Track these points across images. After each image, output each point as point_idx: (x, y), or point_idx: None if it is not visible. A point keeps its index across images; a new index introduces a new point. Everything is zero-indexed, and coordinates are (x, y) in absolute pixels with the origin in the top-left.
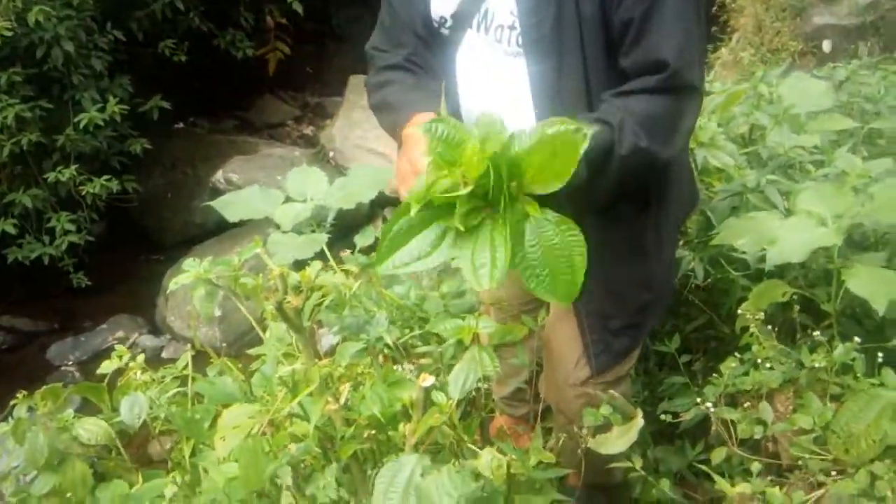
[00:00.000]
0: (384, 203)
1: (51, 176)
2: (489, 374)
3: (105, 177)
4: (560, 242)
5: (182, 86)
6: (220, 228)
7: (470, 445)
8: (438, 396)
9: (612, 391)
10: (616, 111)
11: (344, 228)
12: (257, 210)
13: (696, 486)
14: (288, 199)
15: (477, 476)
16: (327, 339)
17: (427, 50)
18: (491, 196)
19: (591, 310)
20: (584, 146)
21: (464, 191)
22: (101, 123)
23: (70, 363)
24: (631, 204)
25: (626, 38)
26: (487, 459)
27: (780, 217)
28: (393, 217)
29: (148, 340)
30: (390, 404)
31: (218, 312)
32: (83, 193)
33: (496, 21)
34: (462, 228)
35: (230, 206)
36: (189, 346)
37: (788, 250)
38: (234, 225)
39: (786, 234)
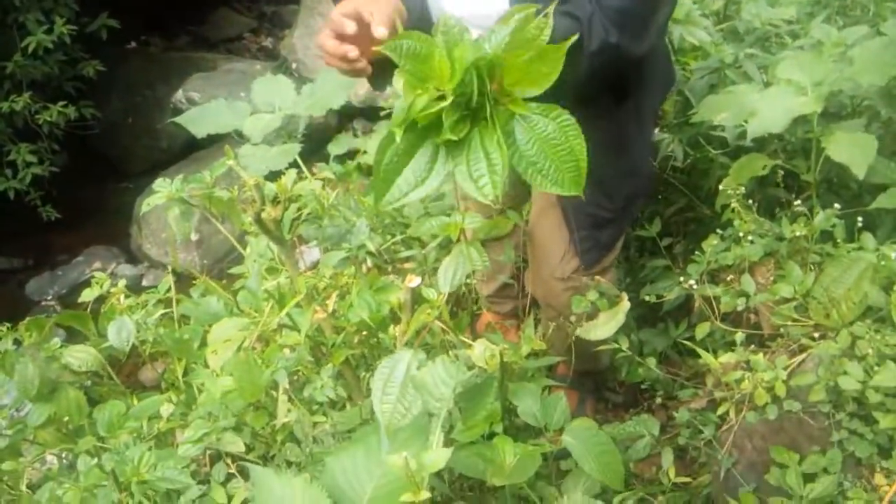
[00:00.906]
0: (352, 114)
1: (3, 106)
2: (477, 268)
3: (61, 103)
4: (555, 132)
5: (130, 2)
6: (187, 151)
7: (462, 338)
8: (428, 292)
9: (598, 278)
10: (586, 4)
11: (314, 142)
12: (225, 123)
13: (681, 364)
14: (255, 111)
15: (470, 365)
16: (309, 254)
17: None
18: (475, 102)
19: (577, 206)
20: (548, 32)
21: (445, 104)
22: (51, 46)
23: (49, 298)
24: (610, 95)
25: None
26: (480, 350)
27: (759, 89)
28: (379, 149)
29: (126, 270)
30: (378, 309)
31: (195, 236)
32: (40, 122)
33: None
34: (455, 139)
35: (196, 122)
36: (169, 270)
37: (769, 121)
38: (201, 147)
39: (765, 106)
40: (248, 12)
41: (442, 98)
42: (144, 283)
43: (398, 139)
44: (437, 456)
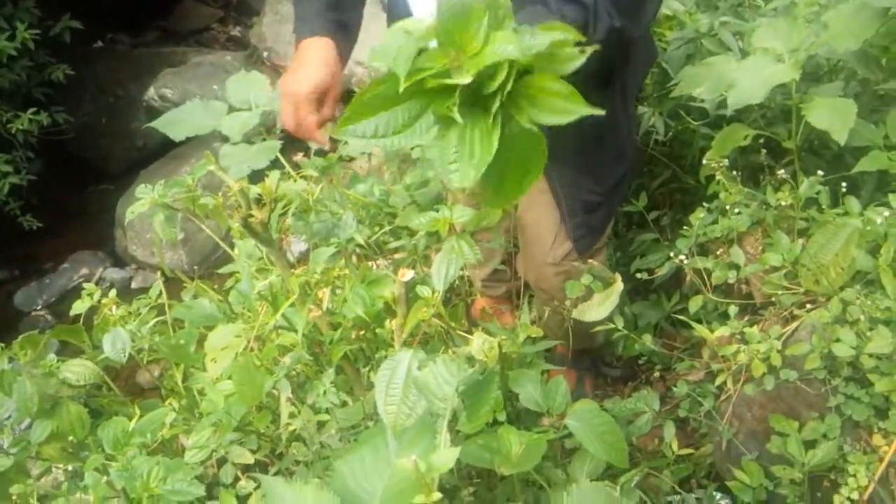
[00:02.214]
0: None
1: None
2: (469, 260)
3: (31, 110)
4: (522, 152)
5: (93, 1)
6: (164, 149)
7: (459, 332)
8: (423, 291)
9: (590, 260)
10: None
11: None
12: (202, 125)
13: (675, 336)
14: (231, 109)
15: (470, 360)
16: (297, 245)
17: None
18: (489, 92)
19: (570, 193)
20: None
21: (465, 80)
22: (14, 53)
23: (39, 307)
24: (598, 78)
25: None
26: (479, 343)
27: (737, 59)
28: (371, 83)
29: (114, 273)
30: (372, 303)
31: (180, 235)
32: (13, 132)
33: None
34: (459, 120)
35: (173, 125)
36: (158, 273)
37: (748, 92)
38: (178, 144)
39: (743, 76)
40: (213, 2)
41: (466, 72)
42: (134, 285)
43: (400, 88)
44: (446, 456)
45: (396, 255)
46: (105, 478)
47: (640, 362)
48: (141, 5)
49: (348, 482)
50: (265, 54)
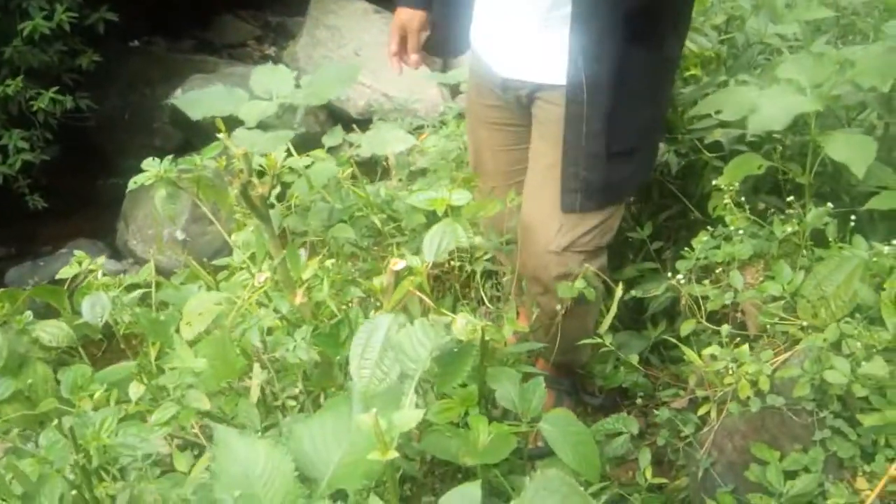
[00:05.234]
0: (347, 124)
1: None
2: (462, 244)
3: (53, 88)
4: None
5: (137, 2)
6: (181, 151)
7: (443, 311)
8: (413, 260)
9: (588, 265)
10: None
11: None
12: (221, 108)
13: (661, 370)
14: (253, 98)
15: (448, 329)
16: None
17: None
18: None
19: (577, 137)
20: None
21: None
22: (48, 32)
23: (29, 287)
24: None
25: None
26: (462, 323)
27: (759, 87)
28: None
29: (110, 265)
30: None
31: (182, 236)
32: (34, 110)
33: None
34: None
35: (194, 105)
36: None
37: (770, 118)
38: (196, 147)
39: (766, 102)
40: (253, 21)
41: None
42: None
43: None
44: (409, 416)
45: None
46: (55, 421)
47: (624, 393)
48: (181, 14)
49: (306, 446)
50: (295, 73)
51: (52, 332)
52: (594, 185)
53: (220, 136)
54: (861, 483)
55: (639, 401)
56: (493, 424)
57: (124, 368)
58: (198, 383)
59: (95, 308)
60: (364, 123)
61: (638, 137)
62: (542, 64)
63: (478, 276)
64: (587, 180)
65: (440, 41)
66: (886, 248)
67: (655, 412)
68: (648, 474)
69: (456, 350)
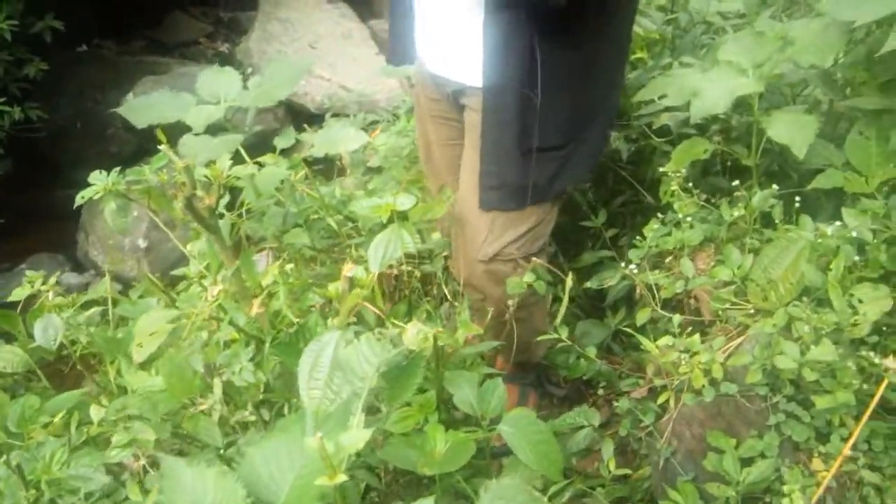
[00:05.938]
0: (304, 118)
1: None
2: (409, 249)
3: (1, 100)
4: None
5: (82, 5)
6: (137, 157)
7: (394, 322)
8: (359, 271)
9: (534, 258)
10: None
11: (260, 147)
12: (167, 115)
13: (622, 358)
14: (200, 102)
15: (397, 343)
16: (261, 262)
17: None
18: None
19: (497, 132)
20: None
21: None
22: None
23: None
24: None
25: None
26: (413, 332)
27: (702, 70)
28: None
29: (72, 278)
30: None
31: (144, 244)
32: None
33: None
34: None
35: (138, 112)
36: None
37: (712, 101)
38: (152, 153)
39: (708, 86)
40: (204, 18)
41: None
42: (90, 291)
43: None
44: (357, 436)
45: (348, 251)
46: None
47: (587, 383)
48: (129, 14)
49: (259, 469)
50: (249, 70)
51: (6, 357)
52: (513, 184)
53: (162, 147)
54: (817, 464)
55: (601, 391)
56: (450, 432)
57: (74, 396)
58: (150, 408)
59: (48, 332)
60: (322, 119)
61: (565, 133)
62: (462, 63)
63: (439, 274)
64: (505, 179)
65: (398, 50)
66: (830, 229)
67: (616, 403)
68: (612, 466)
69: (404, 363)
